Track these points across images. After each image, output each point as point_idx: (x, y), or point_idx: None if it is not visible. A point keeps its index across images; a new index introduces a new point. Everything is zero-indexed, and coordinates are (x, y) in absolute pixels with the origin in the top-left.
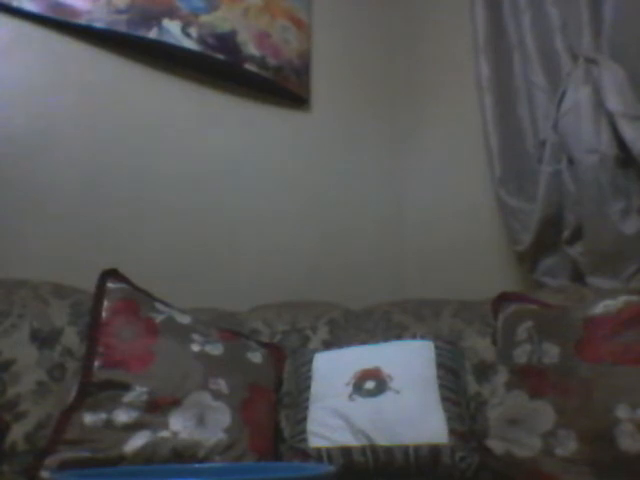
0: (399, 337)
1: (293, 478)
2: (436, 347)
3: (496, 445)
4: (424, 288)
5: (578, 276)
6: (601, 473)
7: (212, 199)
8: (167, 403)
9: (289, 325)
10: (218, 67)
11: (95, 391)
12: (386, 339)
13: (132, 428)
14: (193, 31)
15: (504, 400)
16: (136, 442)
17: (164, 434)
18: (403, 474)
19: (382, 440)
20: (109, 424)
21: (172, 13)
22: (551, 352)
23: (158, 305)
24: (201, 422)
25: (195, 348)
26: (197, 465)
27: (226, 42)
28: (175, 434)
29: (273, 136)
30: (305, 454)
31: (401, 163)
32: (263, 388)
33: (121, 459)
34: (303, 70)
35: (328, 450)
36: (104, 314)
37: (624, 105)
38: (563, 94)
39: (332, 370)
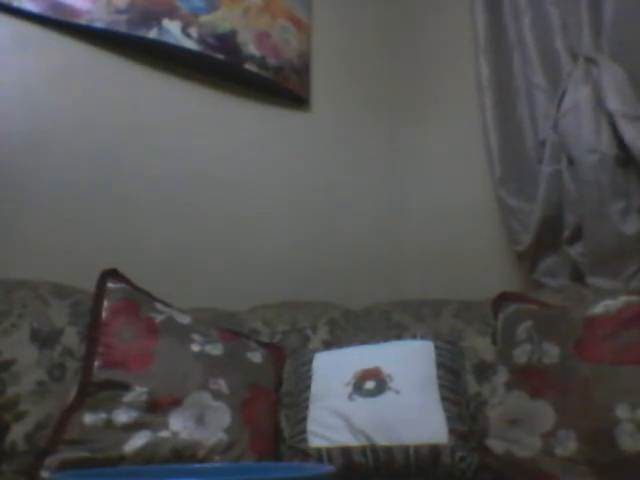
0: (399, 337)
1: (293, 478)
2: (436, 347)
3: (496, 445)
4: (424, 288)
5: (578, 276)
6: (601, 473)
7: (212, 199)
8: (167, 403)
9: (289, 325)
10: (218, 67)
11: (95, 391)
12: (386, 339)
13: (132, 428)
14: (193, 31)
15: (504, 400)
16: (136, 442)
17: (164, 434)
18: (403, 474)
19: (382, 440)
20: (109, 424)
21: (172, 13)
22: (551, 352)
23: (158, 305)
24: (201, 422)
25: (195, 348)
26: (197, 465)
27: (226, 42)
28: (175, 434)
29: (273, 136)
30: (305, 454)
31: (401, 163)
32: (263, 388)
33: (121, 459)
34: (303, 70)
35: (328, 450)
36: (104, 314)
37: (624, 105)
38: (563, 94)
39: (332, 370)
